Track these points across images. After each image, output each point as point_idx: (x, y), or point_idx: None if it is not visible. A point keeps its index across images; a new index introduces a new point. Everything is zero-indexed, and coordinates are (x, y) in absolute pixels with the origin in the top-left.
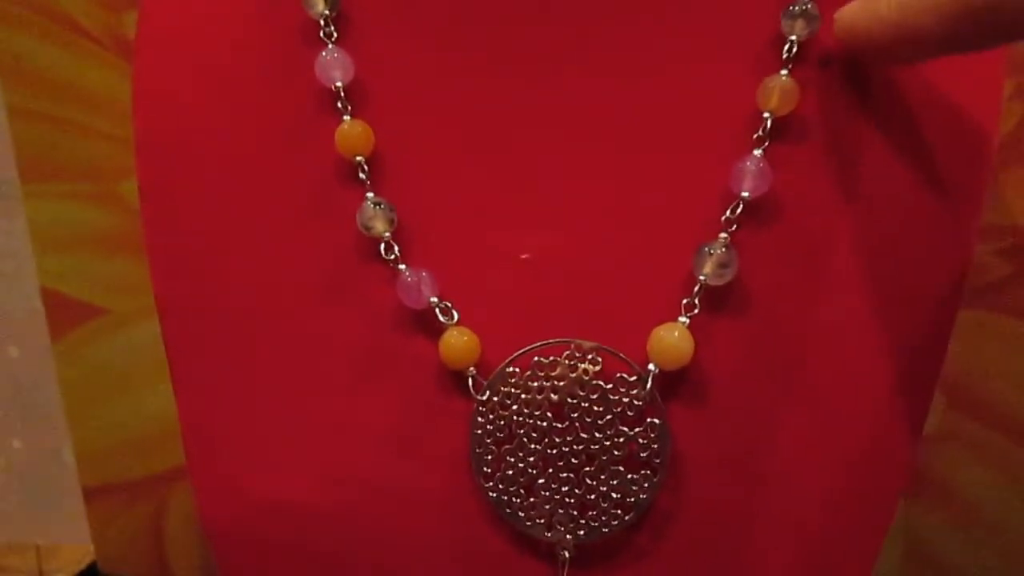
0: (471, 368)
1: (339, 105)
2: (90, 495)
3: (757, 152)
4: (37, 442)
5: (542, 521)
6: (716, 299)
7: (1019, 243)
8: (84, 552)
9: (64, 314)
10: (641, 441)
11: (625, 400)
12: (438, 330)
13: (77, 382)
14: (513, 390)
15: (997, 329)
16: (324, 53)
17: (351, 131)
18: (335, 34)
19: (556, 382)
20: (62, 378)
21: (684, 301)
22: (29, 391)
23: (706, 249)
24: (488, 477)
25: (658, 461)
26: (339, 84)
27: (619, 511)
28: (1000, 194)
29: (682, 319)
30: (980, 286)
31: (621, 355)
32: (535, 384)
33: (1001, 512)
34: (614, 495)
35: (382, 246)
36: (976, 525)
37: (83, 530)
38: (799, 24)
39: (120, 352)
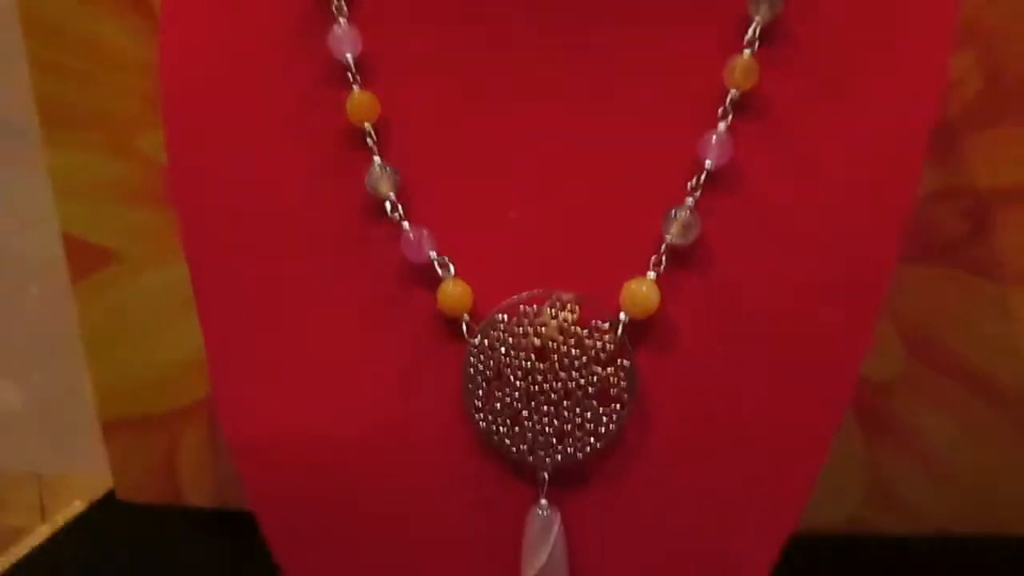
0: (465, 315)
1: (349, 76)
2: (108, 429)
3: (721, 125)
4: (56, 379)
5: (525, 447)
6: (681, 257)
7: (978, 204)
8: (100, 481)
9: (83, 258)
10: (612, 380)
11: (599, 344)
12: (436, 281)
13: (96, 323)
14: (501, 335)
15: (956, 285)
16: (336, 28)
17: (360, 100)
18: (345, 9)
19: (539, 328)
20: (82, 319)
21: (652, 258)
22: (49, 330)
23: (672, 213)
24: (479, 410)
25: (626, 397)
26: (349, 57)
27: (592, 439)
28: (961, 158)
29: (650, 274)
30: (941, 244)
31: (597, 304)
32: (520, 329)
33: (957, 454)
34: (588, 426)
35: (387, 206)
36: (934, 466)
37: (100, 461)
38: (763, 8)
39: (137, 296)
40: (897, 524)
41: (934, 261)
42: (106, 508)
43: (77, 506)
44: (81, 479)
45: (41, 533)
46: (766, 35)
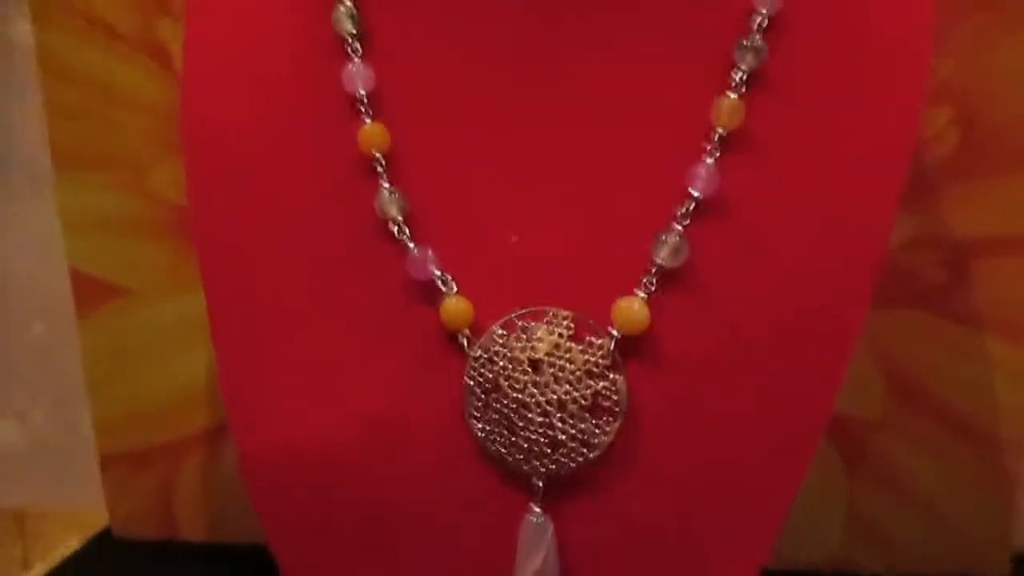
0: (466, 330)
1: (361, 110)
2: (105, 463)
3: (709, 159)
4: (57, 414)
5: (521, 457)
6: (671, 279)
7: (955, 253)
8: (96, 519)
9: (89, 293)
10: (604, 393)
11: (592, 359)
12: (439, 298)
13: (98, 357)
14: (500, 349)
15: (936, 329)
16: (350, 65)
17: (371, 132)
18: (359, 48)
19: (535, 342)
20: (86, 352)
21: (643, 280)
22: (51, 366)
23: (662, 237)
24: (477, 420)
25: (617, 410)
26: (362, 92)
27: (584, 450)
28: (939, 210)
29: (640, 294)
30: (921, 290)
31: (590, 322)
32: (518, 344)
33: (937, 494)
34: (580, 437)
35: (395, 228)
36: (914, 505)
37: (96, 497)
38: (749, 56)
39: (138, 329)
40: (878, 562)
41: (915, 306)
42: (101, 544)
43: (72, 544)
44: (74, 516)
45: (37, 571)
46: (752, 75)
